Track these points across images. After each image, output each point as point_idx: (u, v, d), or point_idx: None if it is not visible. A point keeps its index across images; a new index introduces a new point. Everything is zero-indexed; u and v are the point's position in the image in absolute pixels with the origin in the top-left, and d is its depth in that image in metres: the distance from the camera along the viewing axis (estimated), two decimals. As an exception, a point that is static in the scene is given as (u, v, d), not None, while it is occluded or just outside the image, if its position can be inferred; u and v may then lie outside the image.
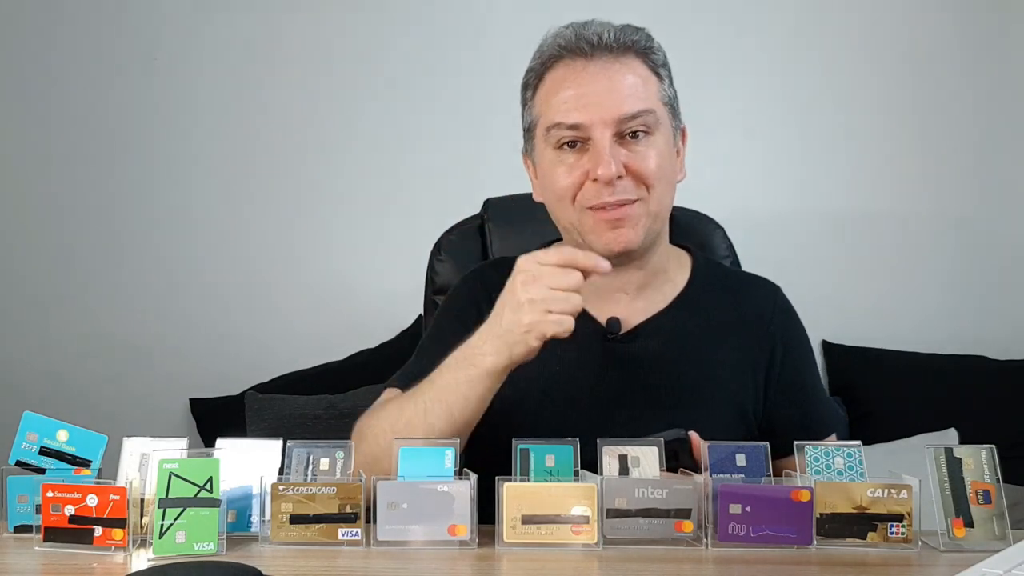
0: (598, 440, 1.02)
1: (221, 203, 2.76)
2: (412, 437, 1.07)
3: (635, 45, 1.19)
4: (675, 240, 1.35)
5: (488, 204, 1.62)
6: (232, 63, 2.75)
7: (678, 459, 1.06)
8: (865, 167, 2.68)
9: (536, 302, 1.06)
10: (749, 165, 2.68)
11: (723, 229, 1.58)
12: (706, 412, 1.23)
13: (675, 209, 1.58)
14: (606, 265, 1.09)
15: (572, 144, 1.19)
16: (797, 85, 2.68)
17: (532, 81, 1.24)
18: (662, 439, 1.04)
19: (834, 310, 2.64)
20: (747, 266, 1.57)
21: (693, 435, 1.08)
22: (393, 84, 2.73)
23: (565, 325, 1.06)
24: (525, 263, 1.09)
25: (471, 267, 1.43)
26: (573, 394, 1.25)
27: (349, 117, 2.74)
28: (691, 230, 1.53)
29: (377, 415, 1.19)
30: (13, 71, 2.77)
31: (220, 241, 2.76)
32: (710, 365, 1.26)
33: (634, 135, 1.17)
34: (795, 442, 1.03)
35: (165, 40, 2.76)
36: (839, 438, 1.31)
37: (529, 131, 1.26)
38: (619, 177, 1.16)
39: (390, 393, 1.26)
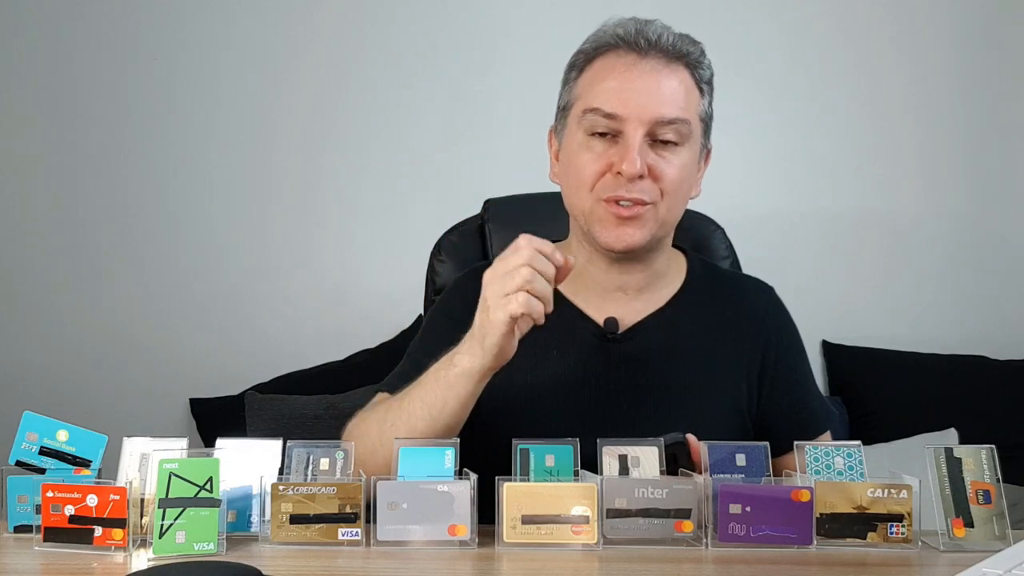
0: (598, 440, 1.03)
1: (220, 205, 2.76)
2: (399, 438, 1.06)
3: (688, 56, 1.21)
4: (673, 241, 1.35)
5: (488, 204, 1.62)
6: (233, 65, 2.75)
7: (677, 462, 1.06)
8: (865, 167, 2.68)
9: (496, 291, 1.05)
10: (749, 166, 2.68)
11: (723, 230, 1.58)
12: (702, 410, 1.24)
13: (676, 210, 1.59)
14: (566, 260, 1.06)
15: (603, 134, 1.19)
16: (798, 86, 2.68)
17: (579, 62, 1.24)
18: (662, 440, 1.04)
19: (834, 310, 2.64)
20: (747, 267, 1.57)
21: (691, 438, 1.08)
22: (394, 84, 2.73)
23: (526, 304, 1.03)
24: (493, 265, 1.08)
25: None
26: (572, 394, 1.25)
27: (348, 117, 2.74)
28: (691, 230, 1.52)
29: (364, 418, 1.20)
30: (22, 70, 2.77)
31: (220, 242, 2.76)
32: (706, 364, 1.27)
33: (664, 142, 1.18)
34: (795, 442, 1.03)
35: (172, 41, 2.76)
36: (833, 435, 1.32)
37: (564, 110, 1.26)
38: (640, 176, 1.17)
39: (380, 396, 1.27)
